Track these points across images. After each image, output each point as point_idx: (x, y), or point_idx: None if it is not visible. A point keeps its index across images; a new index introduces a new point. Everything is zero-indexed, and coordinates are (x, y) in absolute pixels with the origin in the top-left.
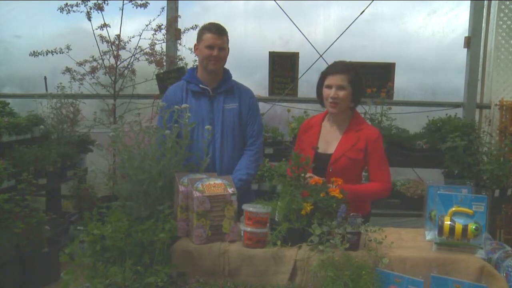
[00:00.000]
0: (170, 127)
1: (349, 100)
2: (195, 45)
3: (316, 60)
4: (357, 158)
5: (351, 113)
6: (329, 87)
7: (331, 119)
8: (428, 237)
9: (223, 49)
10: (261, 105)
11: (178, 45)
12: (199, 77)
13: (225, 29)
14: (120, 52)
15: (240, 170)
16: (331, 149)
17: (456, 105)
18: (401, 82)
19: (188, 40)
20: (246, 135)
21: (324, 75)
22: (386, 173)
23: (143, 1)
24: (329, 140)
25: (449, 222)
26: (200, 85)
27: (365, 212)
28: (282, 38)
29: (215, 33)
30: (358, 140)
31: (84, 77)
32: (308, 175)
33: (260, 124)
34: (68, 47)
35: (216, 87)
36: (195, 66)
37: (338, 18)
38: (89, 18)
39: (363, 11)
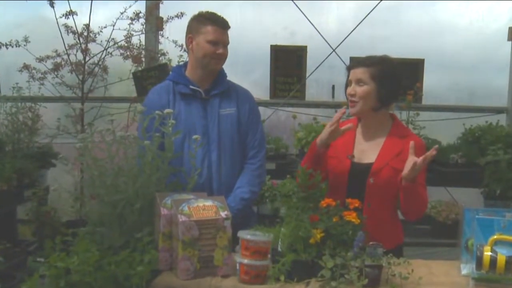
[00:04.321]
0: (151, 137)
1: (373, 98)
2: (189, 37)
3: (328, 56)
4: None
5: (390, 119)
6: (350, 83)
7: (367, 125)
8: (464, 271)
9: (227, 46)
10: (260, 110)
11: (159, 37)
12: (189, 76)
13: (229, 23)
14: (90, 45)
15: (241, 187)
16: (369, 159)
17: (499, 111)
18: (432, 83)
19: (172, 31)
20: (246, 146)
21: (348, 71)
22: (427, 192)
23: None
24: (365, 149)
25: (489, 253)
26: (191, 86)
27: (397, 242)
28: (287, 28)
29: (220, 27)
30: (404, 148)
31: (46, 75)
32: None
33: (262, 132)
34: (26, 40)
35: (209, 89)
36: (181, 63)
37: (355, 5)
38: (52, 5)
39: None
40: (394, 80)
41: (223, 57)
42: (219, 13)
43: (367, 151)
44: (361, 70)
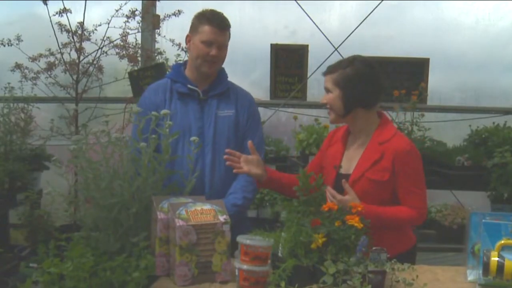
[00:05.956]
0: (146, 138)
1: (339, 104)
2: (187, 36)
3: (330, 55)
4: (381, 181)
5: (377, 122)
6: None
7: (351, 132)
8: (470, 277)
9: (223, 48)
10: (260, 111)
11: (156, 35)
12: (188, 76)
13: (229, 22)
14: (84, 44)
15: (234, 193)
16: (352, 169)
17: (506, 111)
18: (437, 83)
19: (169, 29)
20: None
21: None
22: (420, 198)
23: None
24: (351, 157)
25: (496, 259)
26: (188, 85)
27: (409, 245)
28: (288, 27)
29: (216, 27)
30: (382, 156)
31: (39, 75)
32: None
33: (261, 137)
34: (18, 38)
35: (208, 89)
36: (181, 62)
37: (358, 2)
38: (45, 2)
39: None
40: (362, 81)
41: (216, 59)
42: (220, 12)
43: (352, 160)
44: (326, 78)
